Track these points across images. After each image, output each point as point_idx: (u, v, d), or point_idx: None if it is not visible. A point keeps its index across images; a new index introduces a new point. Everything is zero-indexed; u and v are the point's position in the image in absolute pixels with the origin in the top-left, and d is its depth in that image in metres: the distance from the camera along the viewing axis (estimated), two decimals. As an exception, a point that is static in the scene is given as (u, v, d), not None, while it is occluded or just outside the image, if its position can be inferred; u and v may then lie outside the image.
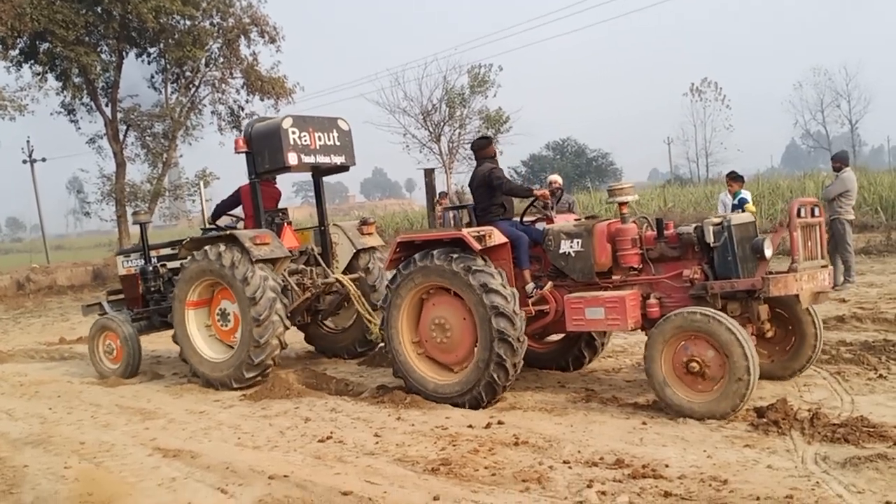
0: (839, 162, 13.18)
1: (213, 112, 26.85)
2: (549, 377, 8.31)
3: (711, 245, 6.83)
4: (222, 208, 10.21)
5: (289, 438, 6.71)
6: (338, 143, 9.53)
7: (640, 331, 7.27)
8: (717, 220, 6.92)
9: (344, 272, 10.04)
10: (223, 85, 26.38)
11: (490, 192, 7.88)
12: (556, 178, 11.75)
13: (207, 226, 10.34)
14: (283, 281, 9.08)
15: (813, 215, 6.84)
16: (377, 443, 6.36)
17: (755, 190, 23.59)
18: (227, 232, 9.03)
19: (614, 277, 7.33)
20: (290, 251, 9.42)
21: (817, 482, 4.85)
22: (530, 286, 7.51)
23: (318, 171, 10.09)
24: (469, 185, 8.26)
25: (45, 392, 9.44)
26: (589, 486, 5.02)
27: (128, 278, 10.92)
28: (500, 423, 6.64)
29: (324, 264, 9.93)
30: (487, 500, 4.90)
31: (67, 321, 17.17)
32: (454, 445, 6.12)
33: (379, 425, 6.86)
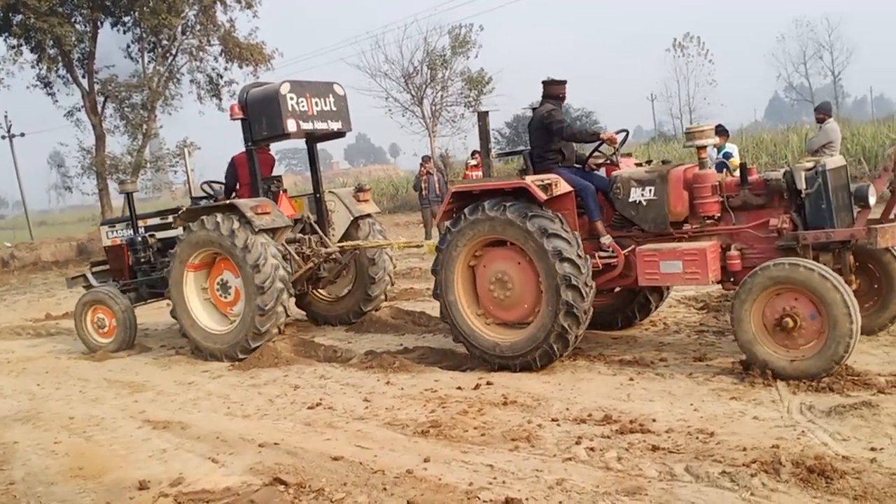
0: (822, 113, 13.18)
1: (191, 81, 26.59)
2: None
3: (803, 192, 6.31)
4: (230, 184, 9.84)
5: (278, 406, 6.72)
6: (334, 109, 9.34)
7: (717, 284, 6.89)
8: (809, 166, 6.38)
9: (341, 240, 9.97)
10: (201, 53, 26.11)
11: (548, 137, 7.37)
12: None
13: (194, 196, 10.24)
14: (283, 250, 8.99)
15: None
16: (367, 408, 6.37)
17: (740, 144, 23.56)
18: (227, 201, 8.89)
19: (688, 227, 6.86)
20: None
21: (803, 431, 4.91)
22: (607, 238, 7.00)
23: (313, 138, 9.94)
24: (528, 127, 7.74)
25: (33, 368, 9.40)
26: (577, 443, 5.06)
27: (113, 249, 10.80)
28: (488, 383, 6.66)
29: (321, 233, 9.85)
30: (477, 460, 4.93)
31: (53, 297, 17.08)
32: (443, 407, 6.14)
33: (368, 390, 6.87)
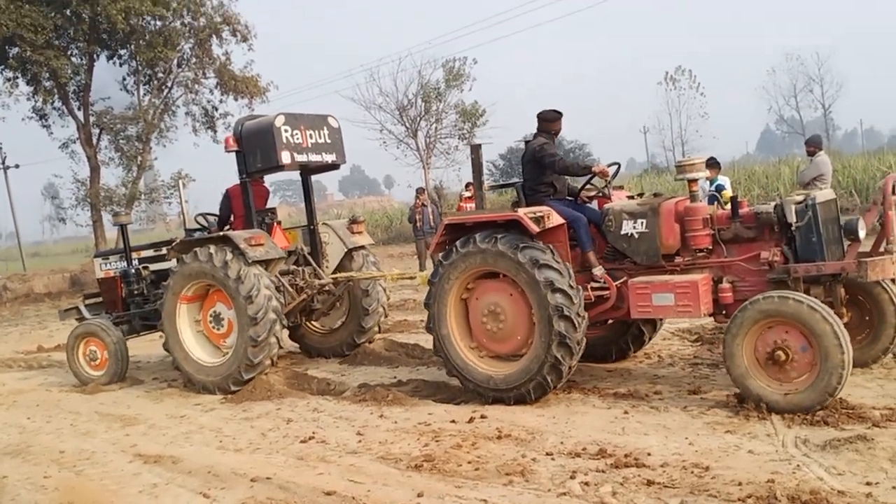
0: (813, 146, 13.27)
1: (186, 113, 26.68)
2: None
3: (793, 225, 6.35)
4: (224, 216, 9.83)
5: (271, 440, 6.66)
6: (328, 141, 9.40)
7: (709, 317, 6.87)
8: (799, 199, 6.43)
9: (335, 271, 9.95)
10: (196, 85, 26.22)
11: (540, 170, 7.41)
12: None
13: (188, 227, 10.24)
14: (276, 281, 8.98)
15: None
16: (360, 441, 6.33)
17: (731, 176, 23.73)
18: (220, 233, 8.90)
19: (679, 260, 6.89)
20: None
21: (798, 465, 4.88)
22: (599, 269, 7.03)
23: (307, 170, 9.97)
24: (521, 160, 7.78)
25: (24, 401, 9.32)
26: (572, 478, 5.03)
27: (106, 281, 10.76)
28: (482, 417, 6.62)
29: (314, 264, 9.84)
30: (471, 495, 4.89)
31: (45, 329, 16.99)
32: (437, 441, 6.10)
33: (361, 424, 6.83)
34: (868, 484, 4.51)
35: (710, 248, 6.80)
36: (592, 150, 59.90)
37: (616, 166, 7.60)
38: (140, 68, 25.39)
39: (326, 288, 9.78)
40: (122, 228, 10.90)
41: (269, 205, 10.34)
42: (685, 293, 6.45)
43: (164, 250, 10.17)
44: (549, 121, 7.61)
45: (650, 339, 8.34)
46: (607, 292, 7.02)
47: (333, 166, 9.82)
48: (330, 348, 10.33)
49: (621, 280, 7.01)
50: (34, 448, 7.14)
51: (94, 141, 25.28)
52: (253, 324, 8.32)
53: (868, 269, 6.02)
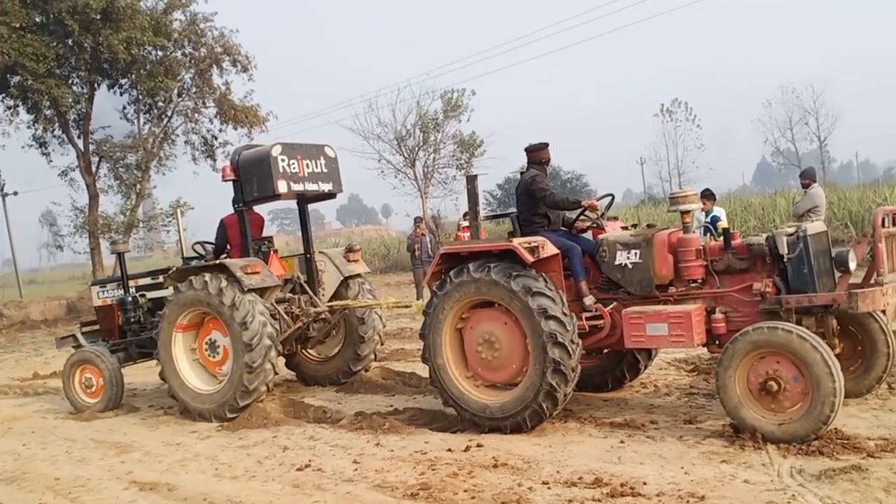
0: (807, 178, 13.39)
1: (186, 142, 26.77)
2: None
3: (785, 256, 6.42)
4: (220, 245, 9.87)
5: (267, 468, 6.66)
6: (325, 171, 9.49)
7: (702, 347, 6.94)
8: (790, 231, 6.54)
9: (330, 300, 9.98)
10: (196, 114, 26.33)
11: (533, 202, 7.55)
12: None
13: (185, 256, 10.29)
14: (272, 309, 8.99)
15: (895, 224, 6.42)
16: (356, 469, 6.33)
17: (728, 208, 23.85)
18: (216, 262, 8.93)
19: (673, 290, 6.98)
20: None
21: (793, 495, 4.90)
22: (590, 299, 7.11)
23: (304, 199, 10.05)
24: (515, 191, 7.89)
25: (19, 428, 9.30)
26: (568, 507, 5.04)
27: (103, 309, 10.79)
28: (478, 445, 6.63)
29: (311, 292, 9.87)
30: (467, 524, 4.90)
31: (41, 356, 16.93)
32: (433, 470, 6.10)
33: (358, 452, 6.83)
34: (863, 513, 4.52)
35: (703, 278, 6.86)
36: (590, 180, 60.25)
37: (610, 198, 7.74)
38: (140, 97, 25.55)
39: (322, 316, 9.80)
40: (120, 256, 10.97)
41: (267, 233, 10.41)
42: (678, 323, 6.52)
43: (160, 278, 10.21)
44: (535, 151, 7.79)
45: (645, 367, 8.37)
46: (601, 322, 7.08)
47: (330, 195, 9.90)
48: (326, 376, 10.33)
49: (615, 310, 7.05)
50: (29, 475, 7.12)
51: (94, 169, 25.35)
52: (248, 350, 8.34)
53: (858, 300, 6.07)
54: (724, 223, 12.60)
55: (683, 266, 6.83)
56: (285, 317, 9.33)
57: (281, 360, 10.33)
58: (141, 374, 11.57)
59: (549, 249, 7.01)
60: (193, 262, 9.74)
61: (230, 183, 9.30)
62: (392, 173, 34.96)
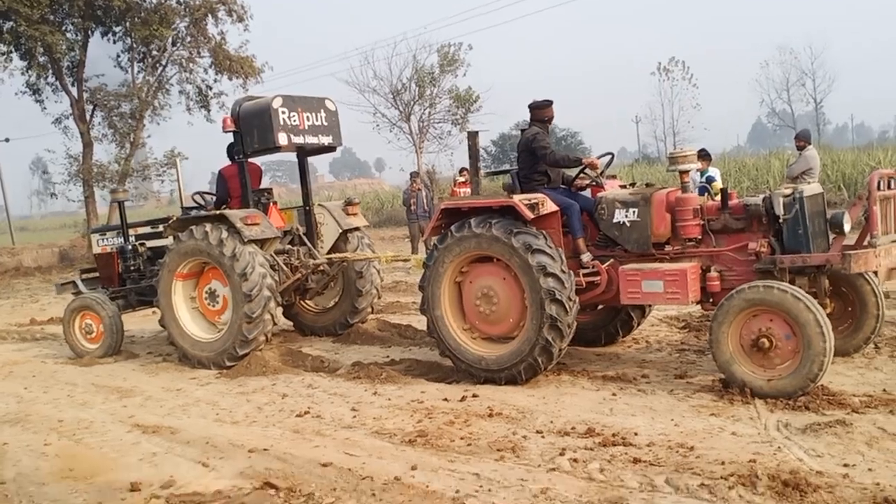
0: (802, 140, 13.48)
1: (180, 92, 26.60)
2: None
3: (781, 217, 6.55)
4: (221, 196, 9.88)
5: (267, 414, 6.81)
6: (325, 124, 9.51)
7: (697, 305, 7.09)
8: (787, 192, 6.63)
9: (329, 252, 10.08)
10: (191, 64, 26.10)
11: (534, 159, 7.61)
12: None
13: (185, 206, 10.37)
14: (271, 260, 9.09)
15: (889, 188, 6.50)
16: (354, 417, 6.49)
17: (722, 168, 23.94)
18: (217, 212, 9.00)
19: (670, 249, 7.10)
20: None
21: (779, 447, 5.07)
22: (587, 256, 7.26)
23: (304, 152, 10.09)
24: (516, 148, 7.96)
25: (20, 372, 9.43)
26: (561, 454, 5.20)
27: (103, 257, 10.88)
28: (474, 396, 6.79)
29: (309, 244, 9.96)
30: (464, 469, 5.06)
31: (37, 302, 17.04)
32: (430, 418, 6.26)
33: (356, 400, 6.98)
34: (845, 466, 4.69)
35: (700, 237, 6.97)
36: (584, 138, 60.07)
37: (610, 156, 7.80)
38: (135, 45, 25.30)
39: (321, 268, 9.91)
40: (120, 205, 11.01)
41: (262, 184, 10.46)
42: (674, 281, 6.65)
43: (160, 227, 10.28)
44: (540, 109, 7.79)
45: (639, 324, 8.53)
46: (598, 278, 7.21)
47: (330, 148, 9.94)
48: (323, 327, 10.48)
49: (610, 265, 7.19)
50: (33, 417, 7.26)
51: (88, 117, 25.21)
52: (248, 301, 8.46)
53: (851, 261, 6.20)
54: (718, 183, 12.72)
55: (681, 225, 6.93)
56: (284, 268, 9.43)
57: (279, 310, 10.49)
58: (139, 322, 11.70)
59: (549, 206, 7.11)
60: (193, 213, 9.81)
61: (228, 134, 9.32)
62: (387, 127, 34.90)
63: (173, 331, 9.16)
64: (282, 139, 8.98)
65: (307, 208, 10.19)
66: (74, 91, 24.82)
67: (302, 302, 10.59)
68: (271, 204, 9.89)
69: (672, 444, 5.28)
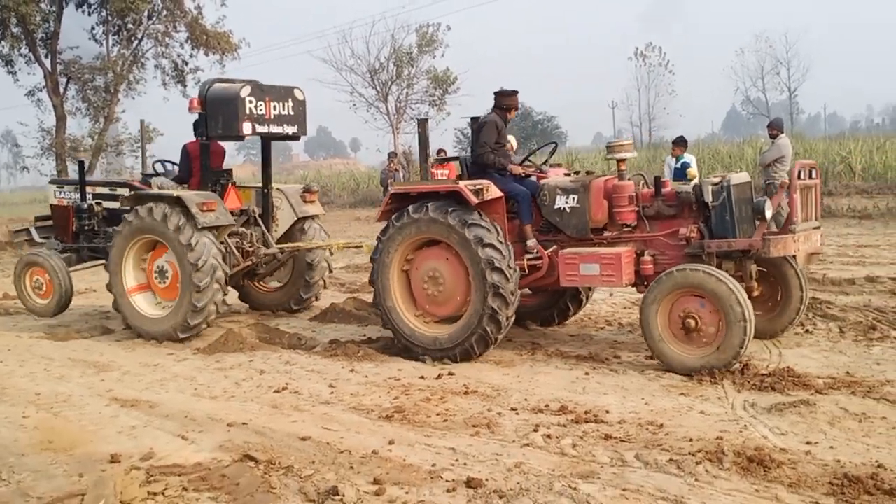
0: (775, 129, 13.65)
1: (156, 66, 26.39)
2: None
3: (710, 204, 6.92)
4: (184, 172, 10.03)
5: (245, 389, 6.88)
6: (292, 113, 9.58)
7: (631, 287, 7.41)
8: (716, 180, 7.00)
9: (283, 238, 10.27)
10: (167, 39, 25.92)
11: (486, 147, 7.83)
12: (511, 140, 11.95)
13: (145, 173, 10.59)
14: (223, 244, 9.23)
15: (811, 177, 6.98)
16: (332, 393, 6.59)
17: (696, 154, 24.18)
18: (175, 193, 9.06)
19: (607, 234, 7.42)
20: (232, 212, 9.61)
21: (745, 425, 5.26)
22: (532, 241, 7.54)
23: (268, 137, 10.16)
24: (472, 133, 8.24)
25: (-6, 346, 9.40)
26: (535, 431, 5.35)
27: (59, 209, 10.91)
28: (450, 374, 6.93)
29: (264, 227, 10.09)
30: (440, 444, 5.18)
31: (9, 277, 16.81)
32: (407, 395, 6.38)
33: (333, 377, 7.08)
34: (808, 443, 4.88)
35: (635, 223, 7.34)
36: (561, 122, 60.18)
37: (553, 145, 8.52)
38: (110, 18, 25.03)
39: (272, 256, 10.13)
40: (81, 164, 10.98)
41: (233, 163, 10.57)
42: (609, 264, 7.02)
43: (118, 191, 10.41)
44: (503, 96, 8.04)
45: (587, 300, 8.85)
46: (540, 262, 7.50)
47: (294, 137, 10.05)
48: (277, 304, 10.76)
49: (552, 250, 7.50)
50: (9, 390, 7.25)
51: (61, 90, 24.93)
52: (196, 290, 8.70)
53: (771, 245, 6.63)
54: (693, 170, 12.91)
55: (617, 211, 7.28)
56: (236, 252, 9.58)
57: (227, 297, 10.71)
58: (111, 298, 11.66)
59: (493, 192, 7.39)
60: (152, 179, 10.02)
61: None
62: (364, 107, 34.82)
63: (122, 305, 9.38)
64: (245, 128, 9.05)
65: (266, 191, 10.27)
66: (48, 63, 24.52)
67: (252, 283, 10.81)
68: (230, 185, 10.00)
69: (642, 421, 5.44)
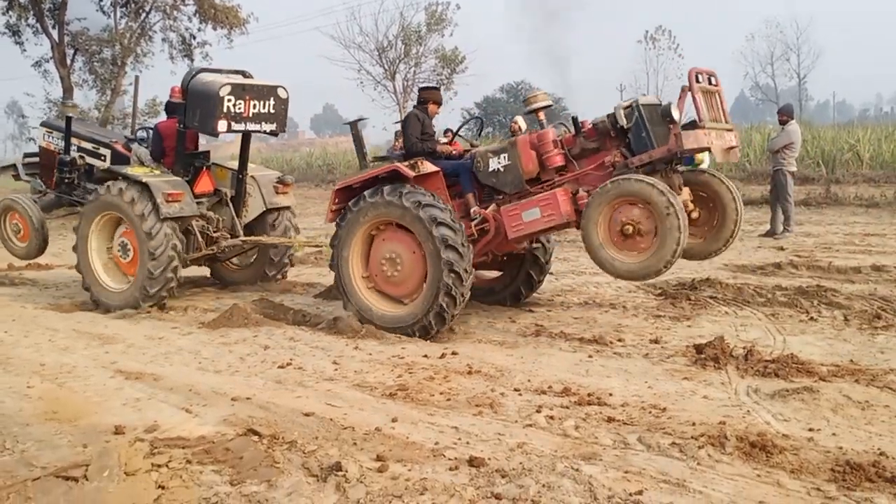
0: (785, 115, 13.61)
1: (163, 39, 26.31)
2: (501, 313, 8.62)
3: (626, 127, 7.26)
4: (155, 152, 10.05)
5: (249, 364, 6.90)
6: (272, 112, 9.60)
7: (577, 230, 7.60)
8: (626, 104, 7.33)
9: (252, 223, 10.46)
10: (174, 12, 25.83)
11: (413, 138, 8.28)
12: (519, 122, 11.92)
13: (129, 136, 10.88)
14: (188, 230, 9.53)
15: (710, 83, 7.33)
16: (336, 370, 6.60)
17: (704, 140, 24.03)
18: (143, 180, 9.15)
19: (544, 182, 7.72)
20: (204, 194, 9.83)
21: (748, 411, 5.26)
22: (474, 208, 7.89)
23: (244, 133, 10.24)
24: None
25: (-1, 316, 9.44)
26: (538, 411, 5.35)
27: (46, 153, 11.12)
28: (454, 353, 6.93)
29: (234, 212, 10.23)
30: (443, 422, 5.20)
31: (14, 248, 16.88)
32: (410, 373, 6.39)
33: (337, 354, 7.09)
34: (811, 430, 4.88)
35: (564, 165, 7.66)
36: (568, 104, 59.87)
37: (479, 121, 8.99)
38: (118, -11, 24.91)
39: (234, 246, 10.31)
40: (68, 119, 11.02)
41: (228, 140, 10.75)
42: (547, 204, 7.40)
43: (101, 150, 10.65)
44: (425, 91, 8.70)
45: (540, 282, 9.11)
46: (487, 224, 7.80)
47: (271, 134, 10.12)
48: (244, 281, 10.97)
49: (494, 210, 7.82)
50: (14, 360, 7.28)
51: (69, 61, 24.85)
52: (149, 276, 9.08)
53: (683, 140, 6.92)
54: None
55: (545, 157, 7.62)
56: (199, 238, 9.71)
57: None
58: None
59: (429, 167, 7.78)
60: (133, 147, 10.28)
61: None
62: (371, 85, 34.65)
63: (87, 277, 9.67)
64: (221, 126, 9.12)
65: (241, 177, 10.33)
66: (55, 34, 24.44)
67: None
68: (204, 169, 10.05)
69: (645, 405, 5.45)
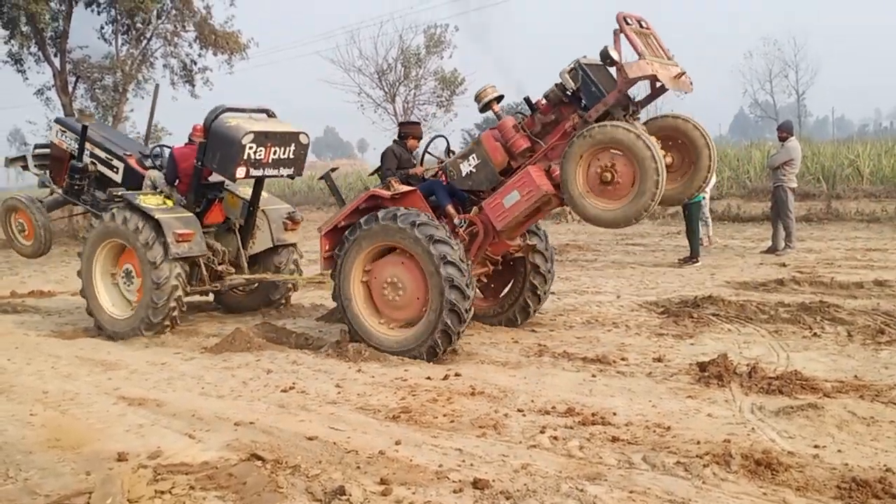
0: (785, 132, 13.64)
1: (165, 66, 26.41)
2: (504, 334, 8.61)
3: (576, 88, 7.28)
4: (170, 177, 10.00)
5: (252, 388, 6.89)
6: (291, 157, 9.64)
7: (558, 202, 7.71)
8: (569, 67, 7.32)
9: (255, 257, 10.54)
10: (175, 38, 25.91)
11: (388, 172, 8.68)
12: None
13: (143, 153, 10.83)
14: (195, 264, 9.59)
15: (641, 27, 7.33)
16: (339, 393, 6.59)
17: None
18: (155, 216, 9.13)
19: (516, 169, 7.74)
20: (213, 224, 9.93)
21: (753, 428, 5.24)
22: (457, 219, 8.00)
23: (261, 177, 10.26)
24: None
25: (2, 344, 9.40)
26: (542, 432, 5.34)
27: (58, 150, 11.09)
28: (457, 375, 6.92)
29: (241, 243, 10.30)
30: (447, 444, 5.18)
31: (17, 275, 16.91)
32: (413, 395, 6.38)
33: (340, 377, 7.08)
34: (816, 447, 4.87)
35: (531, 146, 7.69)
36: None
37: (443, 138, 9.06)
38: (119, 17, 25.05)
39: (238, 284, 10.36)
40: (84, 128, 10.93)
41: None
42: (524, 183, 7.48)
43: (114, 162, 10.65)
44: (405, 126, 9.23)
45: (535, 311, 9.07)
46: (475, 227, 7.93)
47: (288, 177, 10.20)
48: (248, 307, 10.94)
49: (476, 211, 7.94)
50: (17, 388, 7.28)
51: (70, 89, 24.98)
52: (153, 306, 9.09)
53: (627, 70, 6.90)
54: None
55: (510, 144, 7.67)
56: (204, 273, 9.71)
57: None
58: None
59: (402, 186, 8.01)
60: (147, 172, 10.24)
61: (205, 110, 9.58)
62: (371, 107, 34.77)
63: (91, 303, 9.69)
64: (240, 173, 9.16)
65: (252, 209, 10.36)
66: (57, 62, 24.56)
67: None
68: (217, 201, 10.12)
69: (649, 424, 5.43)
